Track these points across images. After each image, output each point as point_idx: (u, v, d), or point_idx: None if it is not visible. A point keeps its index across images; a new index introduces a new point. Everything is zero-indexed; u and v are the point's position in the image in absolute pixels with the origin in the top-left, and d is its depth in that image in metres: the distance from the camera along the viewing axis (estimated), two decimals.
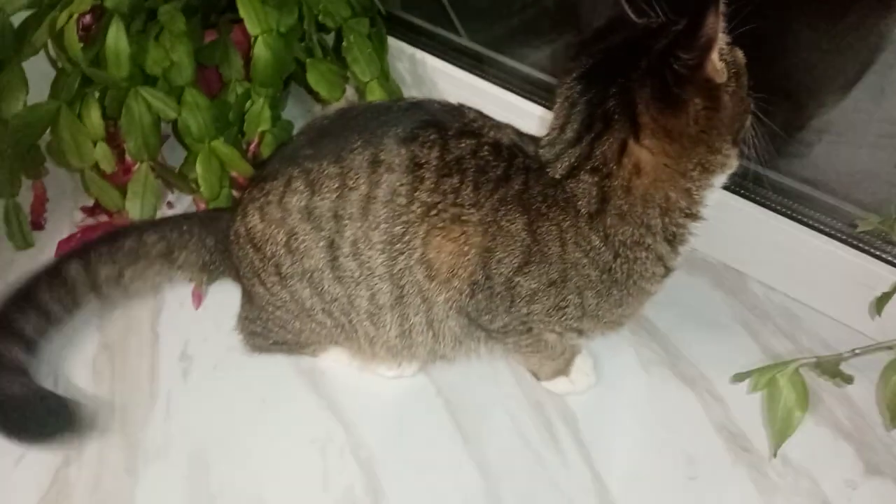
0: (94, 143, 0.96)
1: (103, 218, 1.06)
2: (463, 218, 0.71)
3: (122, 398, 0.89)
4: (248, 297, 0.87)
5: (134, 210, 0.97)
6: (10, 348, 0.83)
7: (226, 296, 0.94)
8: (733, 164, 0.71)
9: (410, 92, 1.26)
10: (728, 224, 0.97)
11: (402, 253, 0.73)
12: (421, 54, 1.24)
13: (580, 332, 0.79)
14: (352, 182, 0.73)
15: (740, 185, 0.96)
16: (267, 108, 1.00)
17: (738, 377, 0.77)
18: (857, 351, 0.78)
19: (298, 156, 0.76)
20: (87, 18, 0.99)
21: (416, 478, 0.82)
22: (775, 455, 0.75)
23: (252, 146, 1.04)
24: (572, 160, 0.70)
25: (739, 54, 0.69)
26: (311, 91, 1.08)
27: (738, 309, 0.99)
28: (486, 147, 0.73)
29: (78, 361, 0.92)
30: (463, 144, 0.73)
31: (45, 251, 1.06)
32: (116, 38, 0.90)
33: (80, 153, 0.95)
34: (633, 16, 0.72)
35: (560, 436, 0.85)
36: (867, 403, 0.87)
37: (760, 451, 0.84)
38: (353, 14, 1.05)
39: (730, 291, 1.01)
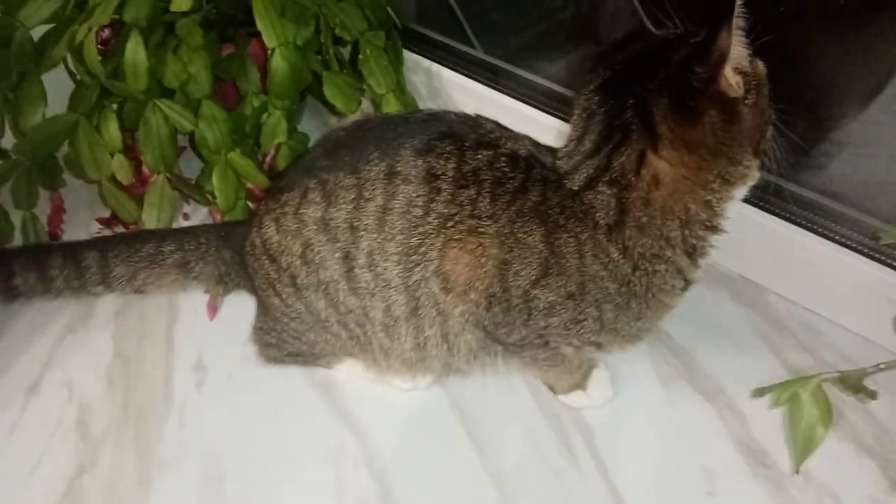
0: (112, 155, 0.96)
1: (120, 229, 1.06)
2: (480, 230, 0.71)
3: (136, 407, 0.89)
4: (263, 309, 0.86)
5: (150, 221, 0.98)
6: None
7: (241, 307, 0.94)
8: (755, 176, 0.70)
9: (426, 104, 1.26)
10: (747, 237, 0.96)
11: (418, 264, 0.73)
12: (437, 67, 1.24)
13: (598, 346, 0.78)
14: (368, 193, 0.73)
15: (760, 198, 0.96)
16: (283, 121, 1.01)
17: (759, 392, 0.76)
18: (881, 366, 0.76)
19: (315, 167, 0.76)
20: (106, 32, 1.01)
21: (430, 491, 0.81)
22: (798, 472, 0.74)
23: (268, 158, 1.05)
24: (590, 171, 0.70)
25: (760, 66, 0.68)
26: (326, 103, 1.08)
27: (757, 323, 0.97)
28: (503, 158, 0.73)
29: (93, 370, 0.92)
30: (480, 156, 0.73)
31: None
32: (135, 51, 0.91)
33: (97, 165, 0.96)
34: (651, 27, 0.72)
35: (577, 450, 0.84)
36: (890, 419, 0.85)
37: (781, 466, 0.82)
38: (369, 27, 1.05)
39: (749, 305, 1.00)
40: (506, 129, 0.77)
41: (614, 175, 0.68)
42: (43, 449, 0.85)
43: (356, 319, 0.78)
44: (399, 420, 0.88)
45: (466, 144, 0.73)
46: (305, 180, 0.76)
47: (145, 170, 1.00)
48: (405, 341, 0.78)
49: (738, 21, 0.61)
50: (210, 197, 1.01)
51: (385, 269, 0.74)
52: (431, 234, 0.72)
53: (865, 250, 0.92)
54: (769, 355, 0.94)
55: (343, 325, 0.79)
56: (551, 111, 1.15)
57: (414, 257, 0.73)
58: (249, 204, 1.02)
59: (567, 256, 0.70)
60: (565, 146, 0.73)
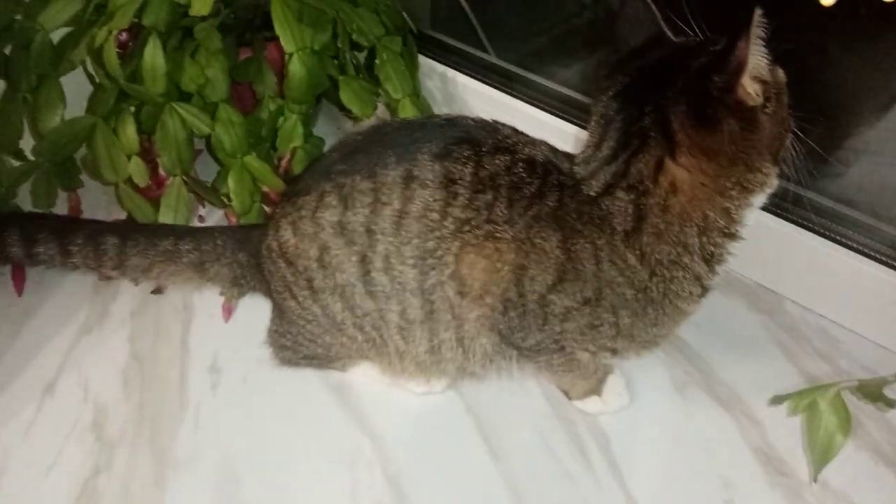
0: (129, 158, 0.97)
1: None
2: (496, 235, 0.71)
3: (151, 409, 0.89)
4: (278, 311, 0.87)
5: (166, 223, 0.98)
6: (12, 244, 0.89)
7: (256, 309, 0.94)
8: (773, 184, 0.70)
9: (441, 109, 1.26)
10: (764, 244, 0.96)
11: (434, 268, 0.73)
12: (451, 72, 1.25)
13: (614, 352, 0.78)
14: (385, 197, 0.73)
15: (777, 205, 0.95)
16: (300, 125, 1.01)
17: (777, 400, 0.76)
18: None
19: (332, 171, 0.76)
20: (124, 36, 1.01)
21: (445, 495, 0.81)
22: (816, 480, 0.73)
23: (284, 162, 1.05)
24: (608, 177, 0.70)
25: (780, 74, 0.68)
26: (342, 108, 1.08)
27: (774, 330, 0.97)
28: (520, 164, 0.73)
29: (108, 371, 0.93)
30: (497, 161, 0.73)
31: None
32: (153, 54, 0.92)
33: (114, 167, 0.96)
34: (670, 34, 0.72)
35: (592, 456, 0.84)
36: None
37: (798, 475, 0.82)
38: (386, 32, 1.06)
39: (766, 312, 0.99)
40: (523, 134, 0.77)
41: (632, 181, 0.68)
42: (58, 449, 0.85)
43: (372, 322, 0.78)
44: (414, 424, 0.88)
45: (484, 149, 0.73)
46: (322, 184, 0.76)
47: (161, 172, 1.01)
48: (420, 344, 0.79)
49: (757, 30, 0.61)
50: (226, 199, 1.01)
51: (401, 273, 0.74)
52: (448, 238, 0.72)
53: (883, 258, 0.92)
54: (785, 363, 0.93)
55: (359, 327, 0.80)
56: (565, 116, 1.15)
57: (430, 261, 0.73)
58: (265, 207, 1.02)
59: (584, 262, 0.70)
60: (582, 152, 0.73)
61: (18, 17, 0.99)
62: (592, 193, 0.70)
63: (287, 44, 0.93)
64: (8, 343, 0.97)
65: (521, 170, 0.72)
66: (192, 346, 0.96)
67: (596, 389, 0.86)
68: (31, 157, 1.01)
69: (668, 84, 0.67)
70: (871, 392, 0.74)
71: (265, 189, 1.02)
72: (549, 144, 0.77)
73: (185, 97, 0.97)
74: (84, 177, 1.08)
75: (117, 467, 0.84)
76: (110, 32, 0.89)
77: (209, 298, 1.00)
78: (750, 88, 0.64)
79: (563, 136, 1.06)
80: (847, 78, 0.89)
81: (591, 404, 0.87)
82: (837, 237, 0.95)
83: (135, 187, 0.99)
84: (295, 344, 0.86)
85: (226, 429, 0.87)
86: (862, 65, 0.87)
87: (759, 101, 0.65)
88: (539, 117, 1.17)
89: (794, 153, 0.72)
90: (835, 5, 0.70)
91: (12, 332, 0.98)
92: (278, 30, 0.93)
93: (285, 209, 0.79)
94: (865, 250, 0.93)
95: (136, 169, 0.97)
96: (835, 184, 0.95)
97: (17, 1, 0.99)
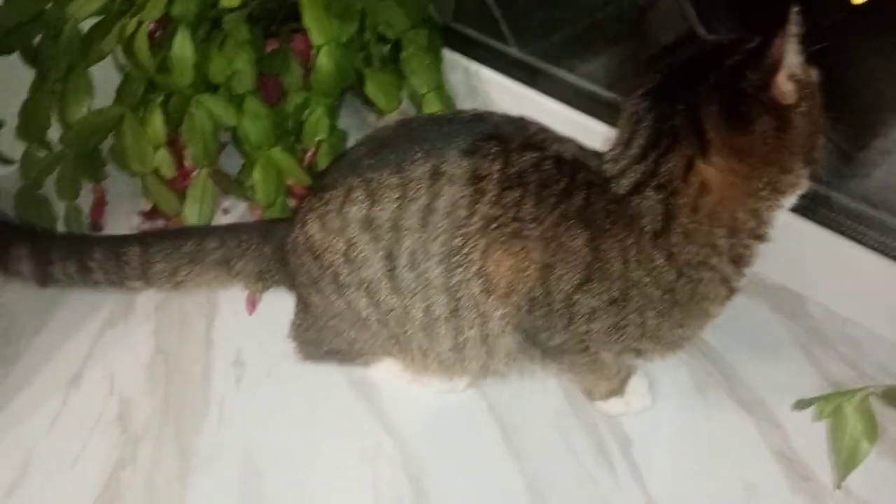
0: (156, 149, 0.97)
1: (160, 222, 1.07)
2: (524, 233, 0.70)
3: (176, 402, 0.90)
4: (303, 306, 0.87)
5: (192, 215, 0.99)
6: (22, 254, 0.87)
7: (279, 303, 0.94)
8: (805, 185, 0.69)
9: (464, 103, 1.26)
10: (787, 244, 0.94)
11: (460, 265, 0.73)
12: (475, 66, 1.24)
13: (638, 353, 0.78)
14: (412, 193, 0.73)
15: (800, 204, 0.94)
16: (325, 118, 1.01)
17: (801, 404, 0.75)
18: None
19: (359, 166, 0.76)
20: (152, 26, 1.02)
21: (465, 493, 0.82)
22: (839, 486, 0.73)
23: (308, 155, 1.05)
24: (637, 176, 0.69)
25: (814, 73, 0.67)
26: (365, 101, 1.08)
27: (796, 332, 0.96)
28: (548, 161, 0.72)
29: (133, 365, 0.94)
30: (525, 158, 0.72)
31: None
32: (182, 46, 0.92)
33: (141, 158, 0.97)
34: (703, 32, 0.71)
35: (613, 457, 0.84)
36: None
37: (821, 480, 0.81)
38: (412, 25, 1.06)
39: (789, 314, 0.98)
40: (551, 131, 0.77)
41: (661, 181, 0.68)
42: (83, 442, 0.86)
43: (396, 318, 0.78)
44: (435, 421, 0.88)
45: (512, 146, 0.73)
46: (349, 179, 0.76)
47: (187, 164, 1.01)
48: (444, 342, 0.78)
49: (793, 28, 0.61)
50: (250, 192, 1.01)
51: (427, 270, 0.74)
52: (475, 235, 0.71)
53: None
54: (809, 366, 0.92)
55: (383, 323, 0.80)
56: (590, 112, 1.14)
57: (456, 258, 0.72)
58: (288, 201, 1.03)
59: (611, 262, 0.70)
60: (611, 150, 0.73)
61: (48, 6, 0.99)
62: (621, 192, 0.70)
63: (316, 36, 0.93)
64: (33, 336, 0.99)
65: (549, 167, 0.72)
66: (217, 340, 0.97)
67: (618, 390, 0.86)
68: (58, 147, 1.02)
69: (701, 82, 0.66)
70: None
71: (290, 182, 1.02)
72: (577, 142, 0.77)
73: (212, 88, 0.97)
74: (108, 168, 1.09)
75: (142, 461, 0.84)
76: (141, 23, 0.90)
77: (233, 292, 1.00)
78: (785, 87, 0.64)
79: (586, 132, 1.06)
80: (874, 77, 0.88)
81: (614, 405, 0.87)
82: (862, 238, 0.93)
83: (161, 178, 1.00)
84: (319, 338, 0.87)
85: (249, 423, 0.88)
86: (889, 64, 0.86)
87: (794, 100, 0.64)
88: (563, 112, 1.16)
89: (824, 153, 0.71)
90: (864, 4, 0.69)
91: (38, 326, 1.00)
92: (308, 22, 0.93)
93: (312, 203, 0.79)
94: (891, 251, 0.92)
95: (163, 160, 0.98)
96: (860, 184, 0.93)
97: None
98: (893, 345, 0.94)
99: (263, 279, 0.92)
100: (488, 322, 0.75)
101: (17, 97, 1.07)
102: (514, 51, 1.24)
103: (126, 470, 0.83)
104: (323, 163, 1.03)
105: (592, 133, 1.06)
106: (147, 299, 1.02)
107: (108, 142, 1.02)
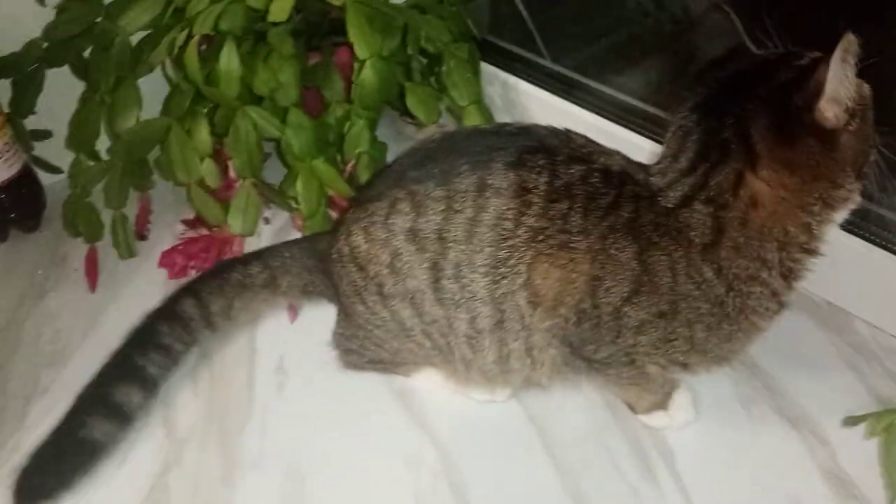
0: (202, 160, 0.99)
1: (203, 231, 1.09)
2: (571, 245, 0.70)
3: (220, 408, 0.91)
4: (345, 315, 0.87)
5: (236, 225, 1.00)
6: (127, 391, 0.84)
7: (320, 311, 0.95)
8: (856, 200, 0.69)
9: (501, 116, 1.26)
10: (833, 260, 0.93)
11: (506, 277, 0.73)
12: (513, 79, 1.25)
13: (685, 367, 0.77)
14: (458, 205, 0.73)
15: (848, 220, 0.93)
16: (366, 130, 1.02)
17: (851, 421, 0.74)
18: None
19: (404, 178, 0.77)
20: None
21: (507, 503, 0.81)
22: None
23: (349, 166, 1.06)
24: (686, 190, 0.69)
25: (866, 89, 0.67)
26: (403, 113, 1.09)
27: (843, 349, 0.95)
28: (595, 173, 0.72)
29: (178, 370, 0.94)
30: (572, 170, 0.72)
31: (147, 261, 1.10)
32: (229, 59, 0.94)
33: (187, 168, 0.99)
34: (751, 46, 0.71)
35: (657, 471, 0.83)
36: None
37: (869, 498, 0.79)
38: (452, 39, 1.06)
39: (835, 331, 0.97)
40: (597, 143, 0.77)
41: (711, 194, 0.68)
42: (129, 445, 0.86)
43: (440, 330, 0.79)
44: (477, 432, 0.88)
45: (559, 158, 0.73)
46: (394, 191, 0.77)
47: (231, 174, 1.03)
48: (488, 354, 0.78)
49: (846, 55, 0.60)
50: (292, 202, 1.03)
51: (472, 281, 0.74)
52: (521, 247, 0.71)
53: None
54: (855, 383, 0.91)
55: (427, 334, 0.80)
56: (630, 126, 1.14)
57: (502, 270, 0.73)
58: (329, 212, 1.04)
59: (660, 275, 0.70)
60: (658, 163, 0.73)
61: (99, 19, 1.02)
62: (669, 205, 0.70)
63: (361, 50, 0.94)
64: (81, 339, 1.00)
65: (596, 179, 0.72)
66: (259, 347, 0.98)
67: (662, 404, 0.85)
68: (106, 157, 1.04)
69: (750, 96, 0.66)
70: None
71: (331, 193, 1.03)
72: (623, 154, 0.77)
73: (257, 101, 0.99)
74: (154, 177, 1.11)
75: (187, 465, 0.85)
76: (192, 36, 0.91)
77: None
78: (829, 112, 0.63)
79: (623, 144, 1.06)
80: None
81: (657, 418, 0.86)
82: None
83: (205, 188, 1.02)
84: (361, 348, 0.87)
85: (292, 429, 0.88)
86: None
87: (840, 123, 0.64)
88: (599, 125, 1.16)
89: (876, 169, 0.70)
90: None
91: (85, 328, 1.02)
92: (353, 36, 0.94)
93: (357, 214, 0.80)
94: None
95: (209, 170, 0.99)
96: None
97: (99, 4, 1.02)
98: None
99: (307, 292, 0.93)
100: (533, 334, 0.75)
101: (63, 110, 1.10)
102: (549, 63, 1.25)
103: (171, 474, 0.84)
104: (363, 174, 1.04)
105: (628, 145, 1.06)
106: None
107: (155, 152, 1.04)
